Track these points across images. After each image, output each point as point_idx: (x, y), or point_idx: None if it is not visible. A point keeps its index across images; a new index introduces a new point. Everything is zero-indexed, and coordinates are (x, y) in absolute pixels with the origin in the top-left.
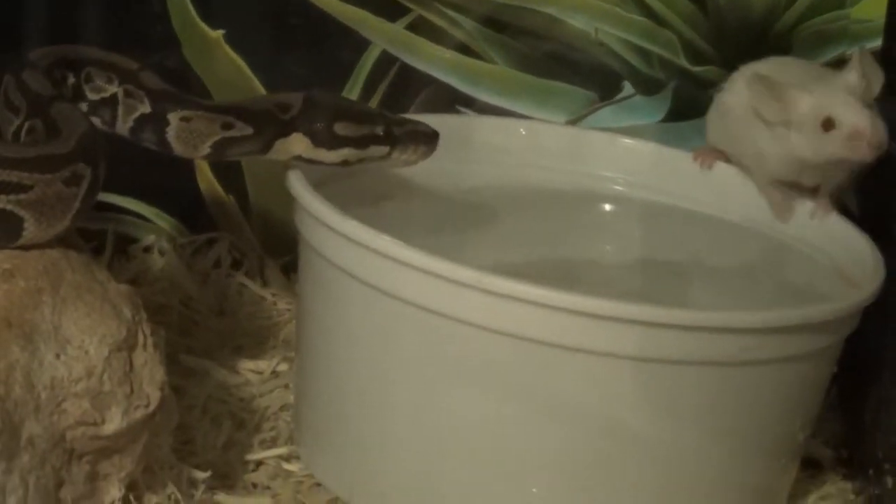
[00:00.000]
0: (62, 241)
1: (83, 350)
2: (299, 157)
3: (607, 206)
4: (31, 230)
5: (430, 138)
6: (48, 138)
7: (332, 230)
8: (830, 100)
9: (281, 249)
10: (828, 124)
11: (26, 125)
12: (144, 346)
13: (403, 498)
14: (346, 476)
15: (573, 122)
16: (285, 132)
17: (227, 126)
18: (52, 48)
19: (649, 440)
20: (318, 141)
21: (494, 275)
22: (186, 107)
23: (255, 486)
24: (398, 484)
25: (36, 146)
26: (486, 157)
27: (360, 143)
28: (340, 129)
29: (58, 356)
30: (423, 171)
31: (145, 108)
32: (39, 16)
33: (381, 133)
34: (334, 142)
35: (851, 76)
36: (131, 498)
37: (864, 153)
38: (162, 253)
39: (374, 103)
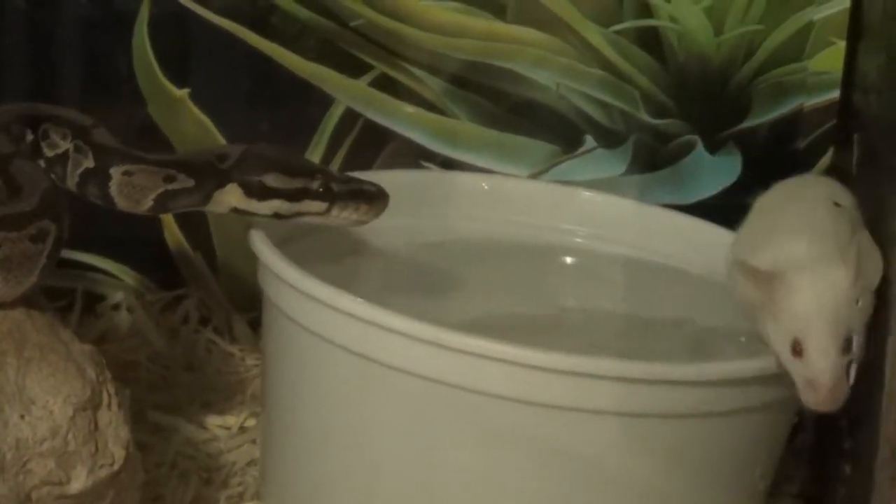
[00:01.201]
0: (26, 302)
1: (48, 410)
2: (235, 209)
3: (569, 259)
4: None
5: (375, 197)
6: (10, 196)
7: (292, 288)
8: (805, 324)
9: (248, 305)
10: (797, 348)
11: None
12: (109, 405)
13: None
14: None
15: (536, 176)
16: (222, 183)
17: (169, 179)
18: (11, 106)
19: (611, 485)
20: (249, 192)
21: (450, 330)
22: (128, 161)
23: None
24: None
25: (1, 205)
26: (450, 211)
27: (293, 196)
28: (271, 180)
29: (22, 417)
30: (386, 227)
31: (89, 162)
32: (7, 72)
33: (317, 188)
34: (264, 193)
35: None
36: None
37: (815, 404)
38: (130, 310)
39: (339, 158)
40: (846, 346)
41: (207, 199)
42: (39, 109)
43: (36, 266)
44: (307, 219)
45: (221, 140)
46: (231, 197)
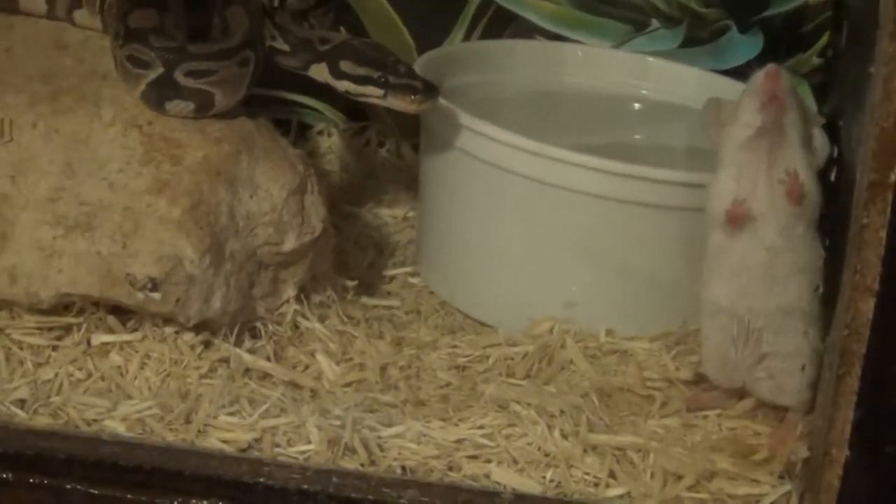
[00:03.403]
0: (255, 121)
1: (269, 193)
2: (327, 82)
3: (637, 106)
4: (219, 101)
5: (423, 92)
6: (223, 34)
7: (442, 117)
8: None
9: (411, 133)
10: None
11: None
12: (312, 191)
13: (483, 295)
14: (448, 285)
15: (616, 47)
16: (317, 59)
17: (271, 38)
18: None
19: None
20: (331, 70)
21: (559, 148)
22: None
23: (388, 293)
24: (481, 288)
25: (216, 42)
26: (555, 70)
27: (357, 80)
28: (345, 66)
29: (251, 196)
30: (510, 79)
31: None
32: None
33: (376, 77)
34: (339, 74)
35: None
36: (302, 297)
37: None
38: (330, 135)
39: (478, 31)
40: None
41: (306, 67)
42: None
43: (244, 83)
44: (371, 100)
45: (398, 20)
46: (321, 72)
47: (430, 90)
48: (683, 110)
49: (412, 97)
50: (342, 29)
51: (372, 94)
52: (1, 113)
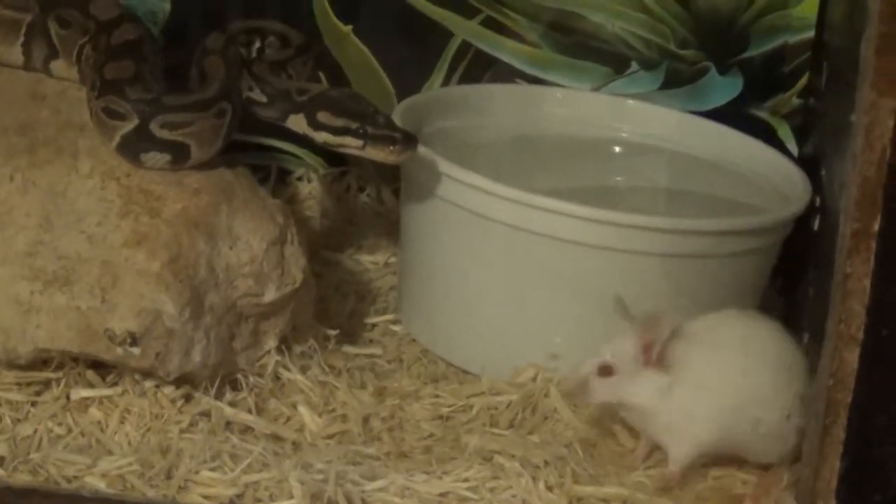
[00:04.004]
0: (234, 170)
1: (249, 244)
2: (304, 133)
3: (617, 149)
4: (195, 153)
5: (402, 142)
6: (200, 84)
7: (422, 165)
8: None
9: (391, 178)
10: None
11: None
12: (292, 242)
13: (466, 343)
14: (430, 333)
15: (595, 90)
16: (295, 110)
17: (249, 89)
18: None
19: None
20: (309, 122)
21: (539, 195)
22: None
23: (370, 341)
24: (464, 336)
25: (193, 93)
26: (533, 114)
27: (336, 132)
28: (322, 117)
29: (231, 248)
30: (488, 124)
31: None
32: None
33: (355, 128)
34: (317, 125)
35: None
36: (283, 348)
37: None
38: (309, 181)
39: (457, 75)
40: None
41: (284, 118)
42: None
43: (220, 135)
44: (349, 151)
45: (377, 66)
46: (298, 123)
47: (408, 141)
48: (664, 152)
49: (391, 148)
50: (322, 76)
51: (350, 146)
52: None
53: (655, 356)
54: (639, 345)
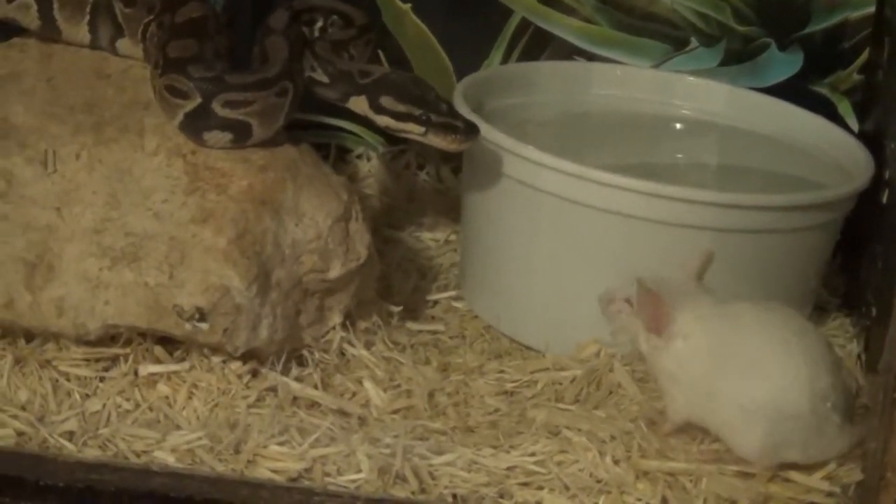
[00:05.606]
0: (298, 147)
1: (314, 220)
2: (365, 116)
3: (678, 125)
4: (257, 132)
5: (464, 132)
6: (262, 64)
7: (483, 141)
8: None
9: (450, 156)
10: None
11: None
12: (356, 218)
13: (529, 319)
14: (493, 310)
15: (655, 67)
16: (356, 92)
17: (311, 69)
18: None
19: None
20: (371, 105)
21: (604, 171)
22: (315, 59)
23: (432, 317)
24: (527, 312)
25: (255, 72)
26: (593, 91)
27: (398, 117)
28: (385, 102)
29: (296, 224)
30: (548, 101)
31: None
32: None
33: (418, 115)
34: (379, 109)
35: None
36: (347, 324)
37: None
38: (369, 159)
39: (516, 53)
40: None
41: (345, 99)
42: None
43: (281, 114)
44: (410, 136)
45: (436, 43)
46: (360, 105)
47: (470, 130)
48: (723, 129)
49: (453, 136)
50: (381, 55)
51: (412, 132)
52: (44, 144)
53: (654, 325)
54: (647, 312)
